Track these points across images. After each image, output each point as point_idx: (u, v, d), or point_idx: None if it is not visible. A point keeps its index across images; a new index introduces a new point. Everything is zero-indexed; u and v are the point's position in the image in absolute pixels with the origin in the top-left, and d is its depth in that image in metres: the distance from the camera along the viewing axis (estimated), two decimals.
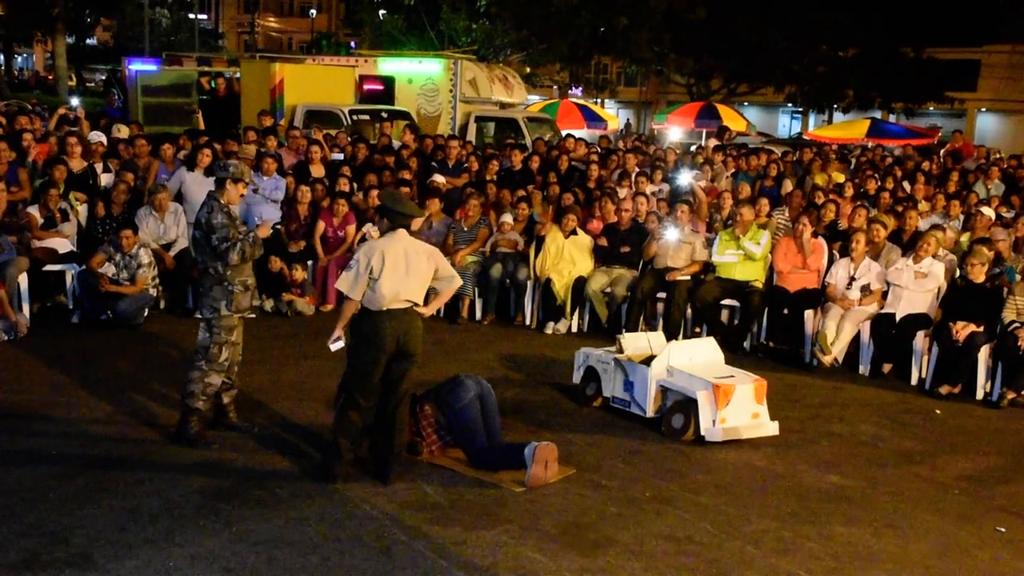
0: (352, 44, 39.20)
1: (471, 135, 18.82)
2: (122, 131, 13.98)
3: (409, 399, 6.45)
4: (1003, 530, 6.09)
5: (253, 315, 6.97)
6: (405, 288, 6.22)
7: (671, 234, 10.57)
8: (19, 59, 61.75)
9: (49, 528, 5.41)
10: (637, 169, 13.42)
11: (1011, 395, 8.73)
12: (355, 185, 12.11)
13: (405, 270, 6.23)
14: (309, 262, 11.12)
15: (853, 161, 16.92)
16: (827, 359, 9.52)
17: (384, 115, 17.58)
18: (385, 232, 6.44)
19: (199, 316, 6.94)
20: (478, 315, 11.06)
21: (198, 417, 6.84)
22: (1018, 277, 9.36)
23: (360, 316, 6.37)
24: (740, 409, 7.34)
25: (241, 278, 6.80)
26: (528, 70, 34.34)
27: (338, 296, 7.46)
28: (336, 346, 6.44)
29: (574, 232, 10.87)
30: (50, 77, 43.52)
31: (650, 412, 7.63)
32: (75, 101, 18.54)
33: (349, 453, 6.32)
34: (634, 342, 8.13)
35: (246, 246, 6.70)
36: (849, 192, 12.51)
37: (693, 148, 18.72)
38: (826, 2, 35.33)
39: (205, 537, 5.39)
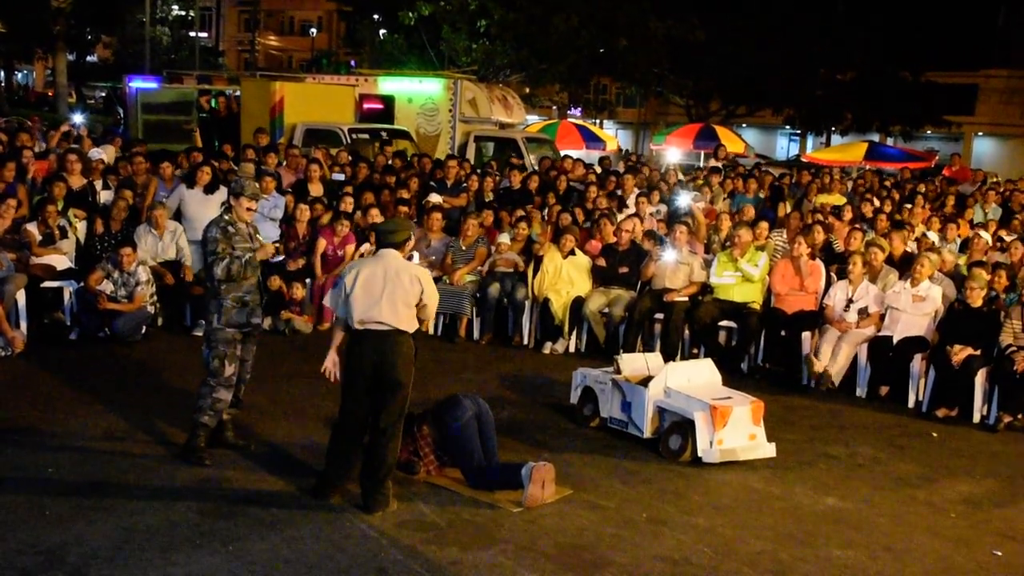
0: (352, 63, 39.35)
1: (470, 155, 18.87)
2: (108, 152, 13.89)
3: (396, 433, 6.23)
4: (1000, 554, 6.08)
5: (249, 331, 6.94)
6: (377, 310, 6.04)
7: (669, 255, 10.59)
8: (19, 75, 61.87)
9: (44, 546, 5.40)
10: (636, 191, 13.45)
11: (1008, 419, 8.73)
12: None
13: (380, 291, 6.05)
14: (308, 280, 11.14)
15: (850, 184, 16.98)
16: (819, 366, 9.50)
17: (384, 134, 17.63)
18: (375, 252, 6.42)
19: (198, 333, 6.96)
20: (476, 334, 11.06)
21: (205, 433, 6.84)
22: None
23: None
24: (737, 430, 7.34)
25: (237, 294, 6.79)
26: (527, 90, 34.45)
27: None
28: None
29: (572, 252, 10.89)
30: (50, 93, 43.60)
31: (647, 433, 7.63)
32: (79, 119, 18.48)
33: (338, 472, 6.28)
34: (632, 363, 8.14)
35: (235, 265, 6.69)
36: (848, 215, 12.52)
37: (702, 166, 18.75)
38: (825, 26, 35.54)
39: (202, 555, 5.38)
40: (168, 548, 5.45)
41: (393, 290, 6.06)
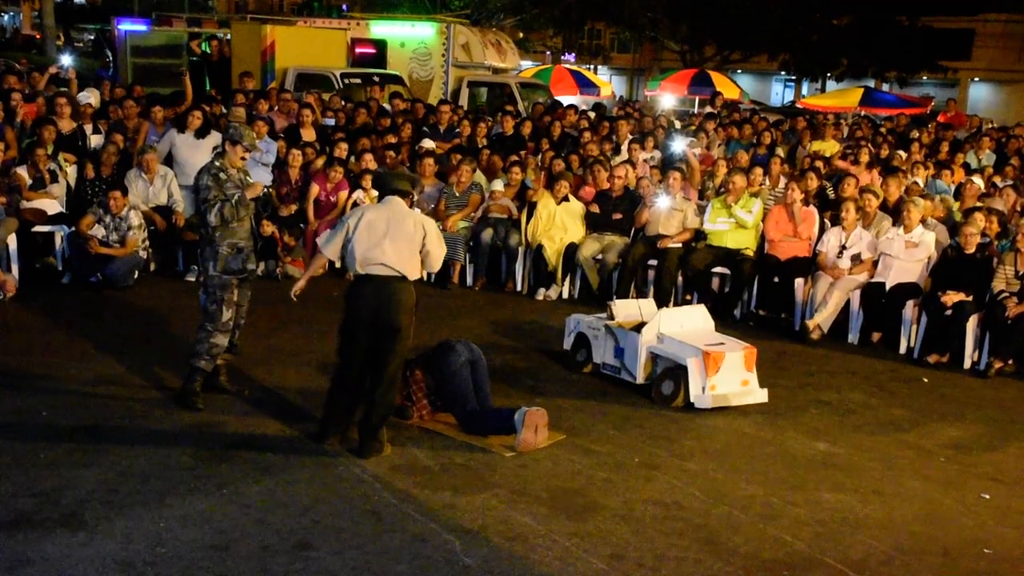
0: (344, 7, 38.84)
1: (463, 100, 18.73)
2: (95, 95, 13.77)
3: (394, 380, 6.22)
4: (987, 497, 6.14)
5: (245, 276, 6.92)
6: (379, 251, 6.03)
7: (663, 201, 10.55)
8: (5, 17, 61.02)
9: (39, 489, 5.43)
10: (629, 137, 13.36)
11: (998, 364, 8.77)
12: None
13: (383, 234, 6.05)
14: (301, 225, 11.08)
15: (846, 130, 16.86)
16: (811, 323, 9.52)
17: (376, 79, 17.48)
18: (378, 199, 6.41)
19: (190, 279, 6.93)
20: (469, 281, 11.05)
21: (201, 377, 6.86)
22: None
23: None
24: (730, 376, 7.36)
25: (231, 240, 6.78)
26: (521, 35, 34.13)
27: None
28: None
29: (566, 198, 10.85)
30: (37, 36, 42.97)
31: (640, 379, 7.65)
32: (67, 61, 18.24)
33: (337, 419, 6.29)
34: (625, 309, 8.15)
35: (226, 208, 6.68)
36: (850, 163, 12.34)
37: (695, 112, 18.57)
38: None
39: (196, 499, 5.41)
40: (163, 491, 5.47)
41: (396, 234, 6.07)
